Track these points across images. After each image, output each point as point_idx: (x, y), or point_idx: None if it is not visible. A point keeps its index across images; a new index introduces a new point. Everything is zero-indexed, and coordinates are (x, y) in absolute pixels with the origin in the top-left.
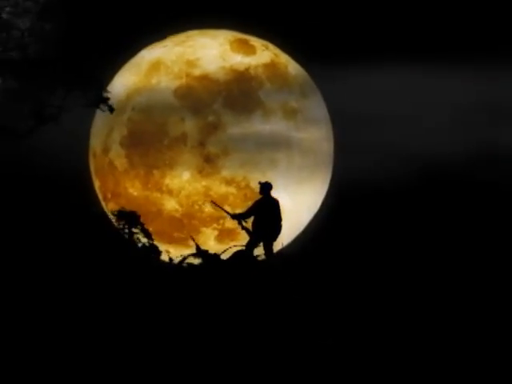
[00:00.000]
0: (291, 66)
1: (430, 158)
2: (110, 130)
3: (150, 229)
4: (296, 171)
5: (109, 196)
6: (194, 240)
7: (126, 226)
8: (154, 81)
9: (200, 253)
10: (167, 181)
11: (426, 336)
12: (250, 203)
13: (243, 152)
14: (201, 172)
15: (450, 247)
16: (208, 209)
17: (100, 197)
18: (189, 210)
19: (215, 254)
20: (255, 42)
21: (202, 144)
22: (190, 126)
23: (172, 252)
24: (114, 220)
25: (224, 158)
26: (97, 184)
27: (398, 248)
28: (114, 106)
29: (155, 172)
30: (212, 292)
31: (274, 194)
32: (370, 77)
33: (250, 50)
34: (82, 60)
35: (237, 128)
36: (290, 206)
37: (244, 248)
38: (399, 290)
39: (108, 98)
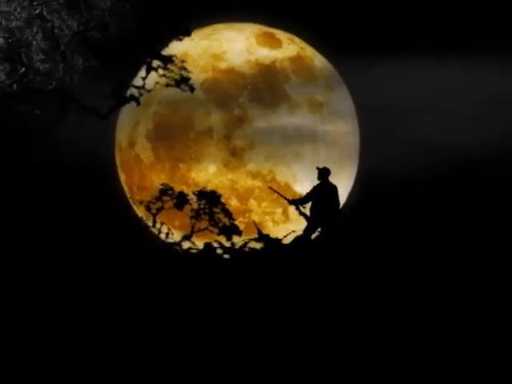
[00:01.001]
0: (317, 60)
1: (457, 151)
2: (135, 124)
3: (177, 222)
4: (322, 164)
5: (135, 189)
6: (256, 225)
7: (207, 206)
8: None
9: (262, 238)
10: (193, 174)
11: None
12: (275, 196)
13: (269, 145)
14: (227, 165)
15: (476, 240)
16: (234, 202)
17: (126, 190)
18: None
19: (277, 239)
20: (281, 35)
21: (227, 137)
22: (215, 119)
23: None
24: (142, 212)
25: (250, 152)
26: (122, 177)
27: (424, 241)
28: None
29: (181, 165)
30: (274, 277)
31: (299, 187)
32: (396, 69)
33: (275, 43)
34: (160, 40)
35: (263, 121)
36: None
37: (302, 233)
38: (425, 283)
39: (189, 78)
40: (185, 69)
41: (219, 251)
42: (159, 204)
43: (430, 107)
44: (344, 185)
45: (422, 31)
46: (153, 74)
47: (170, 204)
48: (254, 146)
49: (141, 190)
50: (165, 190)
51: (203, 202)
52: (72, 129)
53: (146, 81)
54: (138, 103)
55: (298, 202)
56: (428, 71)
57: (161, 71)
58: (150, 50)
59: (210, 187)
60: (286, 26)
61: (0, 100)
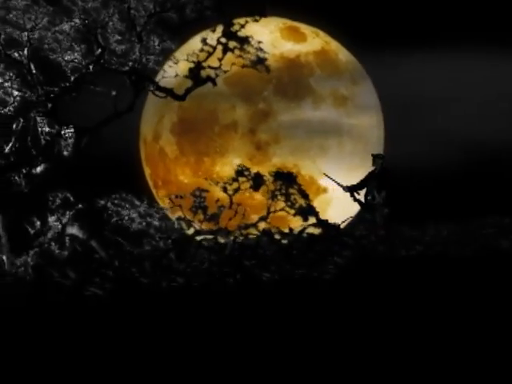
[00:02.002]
0: (342, 53)
1: (485, 144)
2: (160, 117)
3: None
4: (347, 158)
5: (159, 183)
6: (314, 209)
7: (283, 187)
8: None
9: (320, 223)
10: (217, 168)
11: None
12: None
13: (294, 139)
14: (251, 159)
15: (506, 234)
16: (258, 196)
17: (150, 184)
18: (239, 197)
19: (335, 225)
20: (306, 29)
21: (252, 131)
22: (240, 113)
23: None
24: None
25: (274, 146)
26: (147, 171)
27: (450, 236)
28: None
29: (206, 159)
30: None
31: (324, 181)
32: (421, 62)
33: (300, 37)
34: (236, 20)
35: (287, 115)
36: (341, 193)
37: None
38: (452, 277)
39: (266, 59)
40: (261, 50)
41: (277, 237)
42: (235, 185)
43: (455, 100)
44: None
45: (446, 24)
46: (229, 54)
47: (247, 185)
48: (278, 140)
49: (165, 183)
50: (241, 171)
51: (279, 182)
52: (96, 122)
53: (222, 61)
54: (215, 84)
55: (353, 189)
56: (453, 64)
57: (237, 52)
58: (226, 30)
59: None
60: (311, 20)
61: (76, 81)
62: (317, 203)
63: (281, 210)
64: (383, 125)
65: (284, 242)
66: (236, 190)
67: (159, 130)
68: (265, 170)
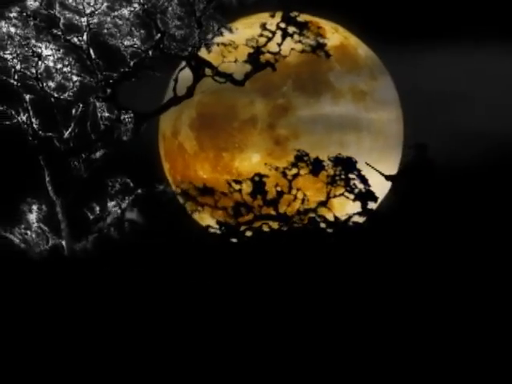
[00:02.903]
0: (361, 48)
1: (507, 138)
2: (179, 113)
3: (220, 211)
4: (366, 153)
5: (178, 178)
6: (373, 194)
7: (343, 172)
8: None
9: (365, 211)
10: (237, 163)
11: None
12: (320, 185)
13: (313, 134)
14: (270, 154)
15: None
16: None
17: (170, 179)
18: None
19: (378, 213)
20: (325, 24)
21: (271, 126)
22: (259, 108)
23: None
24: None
25: (294, 141)
26: (166, 166)
27: (471, 231)
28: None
29: (225, 155)
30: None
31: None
32: (440, 57)
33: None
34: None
35: (306, 110)
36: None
37: None
38: (475, 271)
39: (325, 44)
40: (320, 35)
41: (323, 225)
42: (295, 170)
43: (473, 95)
44: (388, 173)
45: (464, 19)
46: (288, 39)
47: (306, 170)
48: (297, 135)
49: (184, 179)
50: (300, 157)
51: (339, 168)
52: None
53: (282, 47)
54: (274, 69)
55: (394, 178)
56: (472, 59)
57: (296, 37)
58: (285, 16)
59: None
60: (330, 16)
61: (136, 66)
62: (335, 200)
63: (340, 194)
64: (402, 119)
65: (329, 231)
66: (295, 176)
67: (178, 126)
68: (283, 165)
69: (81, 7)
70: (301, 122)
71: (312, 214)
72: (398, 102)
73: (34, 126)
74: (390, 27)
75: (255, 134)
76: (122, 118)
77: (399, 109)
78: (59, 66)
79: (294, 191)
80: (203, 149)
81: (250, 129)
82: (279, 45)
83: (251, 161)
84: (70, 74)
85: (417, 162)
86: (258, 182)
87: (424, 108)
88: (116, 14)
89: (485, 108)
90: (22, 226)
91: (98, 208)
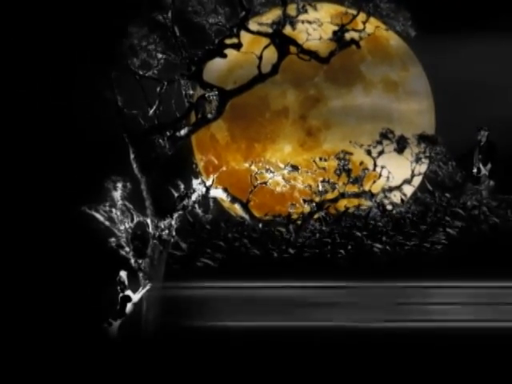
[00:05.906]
0: (392, 39)
1: None
2: None
3: (252, 203)
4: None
5: (210, 169)
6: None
7: (427, 149)
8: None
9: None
10: (268, 154)
11: None
12: (353, 176)
13: (344, 125)
14: (302, 145)
15: None
16: (309, 182)
17: (201, 170)
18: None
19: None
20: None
21: (303, 117)
22: (291, 99)
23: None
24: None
25: (325, 132)
26: (198, 157)
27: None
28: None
29: (256, 145)
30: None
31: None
32: (472, 47)
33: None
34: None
35: (338, 101)
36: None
37: None
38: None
39: (410, 19)
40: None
41: (389, 207)
42: (379, 148)
43: (507, 86)
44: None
45: (502, 6)
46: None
47: (391, 148)
48: (329, 126)
49: (216, 169)
50: (385, 134)
51: (423, 145)
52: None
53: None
54: (358, 47)
55: (459, 162)
56: (505, 49)
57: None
58: None
59: None
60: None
61: (220, 44)
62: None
63: (425, 172)
64: (434, 111)
65: (395, 212)
66: (380, 153)
67: None
68: (315, 156)
69: None
70: (332, 113)
71: (397, 192)
72: (430, 93)
73: (119, 103)
74: (422, 17)
75: (287, 124)
76: (206, 95)
77: (431, 99)
78: (144, 43)
79: (378, 169)
80: (235, 140)
81: (282, 120)
82: (364, 22)
83: (283, 152)
84: (154, 52)
85: (480, 146)
86: (343, 159)
87: (456, 99)
88: None
89: None
90: (107, 204)
91: (182, 186)
